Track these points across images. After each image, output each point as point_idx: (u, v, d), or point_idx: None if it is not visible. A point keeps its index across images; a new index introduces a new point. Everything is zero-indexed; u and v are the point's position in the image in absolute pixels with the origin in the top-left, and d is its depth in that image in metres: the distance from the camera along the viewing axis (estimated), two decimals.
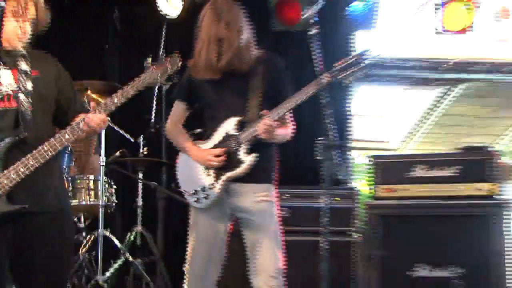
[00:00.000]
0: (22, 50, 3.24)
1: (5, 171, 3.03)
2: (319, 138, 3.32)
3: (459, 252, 5.06)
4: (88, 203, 5.48)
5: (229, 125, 3.64)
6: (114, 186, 5.73)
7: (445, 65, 8.14)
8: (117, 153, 5.76)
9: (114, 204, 5.66)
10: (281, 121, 3.64)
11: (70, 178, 5.44)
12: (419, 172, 5.35)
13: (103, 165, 5.44)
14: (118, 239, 5.54)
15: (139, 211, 5.80)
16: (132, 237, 5.72)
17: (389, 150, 10.85)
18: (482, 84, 8.81)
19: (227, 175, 3.61)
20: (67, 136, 3.12)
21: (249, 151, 3.60)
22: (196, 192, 3.68)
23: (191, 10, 6.04)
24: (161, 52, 5.77)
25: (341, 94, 6.62)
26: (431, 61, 8.16)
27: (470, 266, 5.02)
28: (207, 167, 3.65)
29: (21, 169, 3.04)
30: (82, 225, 5.64)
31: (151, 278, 5.36)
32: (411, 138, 10.57)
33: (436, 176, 5.31)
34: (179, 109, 3.85)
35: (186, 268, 3.73)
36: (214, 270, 3.69)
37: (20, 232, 3.12)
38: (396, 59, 8.04)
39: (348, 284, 5.22)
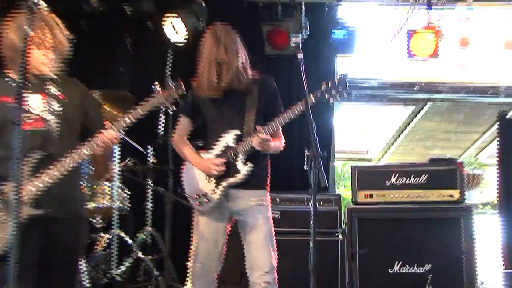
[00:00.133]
0: (50, 74, 3.24)
1: (32, 181, 3.06)
2: (306, 150, 3.30)
3: (432, 252, 5.05)
4: (104, 206, 5.44)
5: (228, 138, 3.63)
6: (127, 191, 5.71)
7: (416, 86, 8.19)
8: (130, 162, 5.74)
9: (127, 207, 5.62)
10: (274, 135, 3.62)
11: (88, 184, 5.42)
12: (394, 180, 5.35)
13: (117, 173, 5.42)
14: (131, 238, 5.52)
15: (149, 213, 5.79)
16: (143, 236, 5.70)
17: (367, 160, 10.85)
18: (447, 103, 8.85)
19: (226, 182, 3.60)
20: (85, 151, 3.13)
21: (246, 161, 3.59)
22: (199, 197, 3.65)
23: (194, 37, 6.04)
24: (167, 73, 5.77)
25: (325, 110, 6.62)
26: (404, 82, 8.22)
27: (442, 264, 5.01)
28: (209, 175, 3.63)
29: (46, 179, 3.06)
30: (99, 225, 5.60)
31: (159, 273, 5.32)
32: (387, 150, 10.57)
33: (409, 184, 5.31)
34: (184, 123, 3.83)
35: (189, 264, 3.70)
36: (215, 266, 3.65)
37: (44, 235, 3.11)
38: (373, 81, 8.08)
39: (334, 279, 5.20)
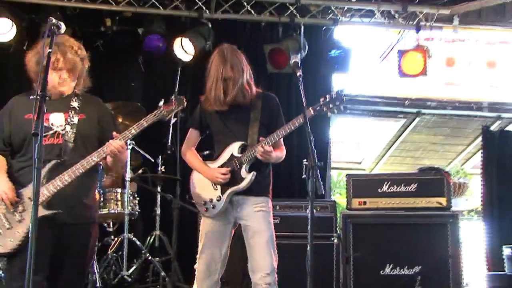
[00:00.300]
0: (69, 93, 3.34)
1: (46, 185, 3.12)
2: (304, 160, 3.30)
3: (421, 255, 5.03)
4: (116, 211, 5.44)
5: (233, 148, 3.63)
6: (137, 198, 5.70)
7: (406, 102, 8.22)
8: (140, 171, 5.75)
9: (137, 212, 5.61)
10: (276, 145, 3.62)
11: (102, 191, 5.42)
12: (386, 188, 5.34)
13: (128, 180, 5.42)
14: (140, 241, 5.50)
15: (157, 218, 5.77)
16: (152, 240, 5.69)
17: (361, 170, 10.84)
18: (435, 117, 8.86)
19: (231, 189, 3.59)
20: (94, 158, 3.20)
21: (249, 170, 3.59)
22: (205, 203, 3.65)
23: (201, 56, 6.07)
24: (176, 89, 5.79)
25: (322, 123, 6.63)
26: (395, 98, 8.25)
27: (430, 266, 4.99)
28: (215, 183, 3.63)
29: (58, 183, 3.14)
30: (110, 229, 5.59)
31: (167, 274, 5.30)
32: (379, 160, 10.56)
33: (400, 192, 5.30)
34: (192, 135, 3.83)
35: (196, 266, 3.69)
36: (219, 268, 3.62)
37: (56, 237, 3.15)
38: (366, 96, 8.11)
39: (329, 280, 5.18)
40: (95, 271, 4.98)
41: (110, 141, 3.21)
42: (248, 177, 3.56)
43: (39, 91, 2.78)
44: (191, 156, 3.80)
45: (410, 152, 10.22)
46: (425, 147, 10.10)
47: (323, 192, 3.32)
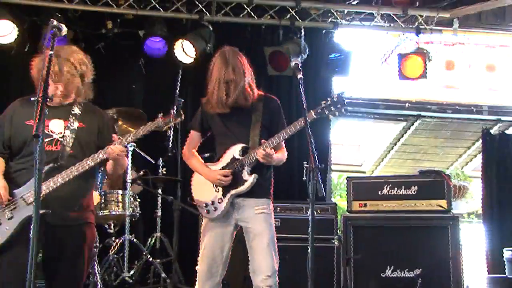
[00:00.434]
0: (71, 101, 3.38)
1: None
2: (305, 162, 3.30)
3: (422, 257, 5.03)
4: (117, 213, 5.44)
5: (234, 151, 3.62)
6: (138, 199, 5.70)
7: (406, 105, 8.21)
8: (141, 173, 5.74)
9: (138, 214, 5.61)
10: (277, 147, 3.62)
11: (103, 193, 5.41)
12: (386, 190, 5.34)
13: (129, 182, 5.42)
14: (141, 243, 5.50)
15: (158, 220, 5.77)
16: (153, 241, 5.68)
17: (361, 172, 10.83)
18: (435, 120, 8.86)
19: (233, 191, 3.59)
20: (89, 162, 3.25)
21: (251, 172, 3.58)
22: (207, 205, 3.64)
23: (202, 58, 6.07)
24: (177, 92, 5.78)
25: (322, 126, 6.62)
26: (395, 101, 8.25)
27: (431, 268, 4.99)
28: (217, 185, 3.63)
29: (51, 184, 3.19)
30: (111, 231, 5.58)
31: (168, 275, 5.29)
32: (380, 163, 10.54)
33: (400, 194, 5.30)
34: (194, 137, 3.82)
35: (197, 268, 3.67)
36: (220, 270, 3.61)
37: (50, 239, 3.18)
38: (367, 99, 8.10)
39: (330, 282, 5.17)
40: (96, 272, 4.97)
41: (110, 145, 3.26)
42: (249, 180, 3.56)
43: (40, 94, 2.80)
44: (192, 158, 3.79)
45: (410, 154, 10.20)
46: (426, 149, 10.09)
47: (324, 195, 3.30)
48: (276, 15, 6.58)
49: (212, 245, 3.61)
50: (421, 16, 6.65)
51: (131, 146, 5.24)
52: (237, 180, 3.58)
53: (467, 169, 10.52)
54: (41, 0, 6.13)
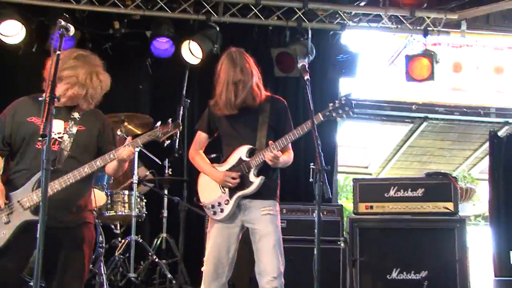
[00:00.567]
0: (71, 104, 3.36)
1: (36, 191, 3.18)
2: (311, 164, 3.29)
3: (428, 259, 5.01)
4: (123, 213, 5.45)
5: (241, 152, 3.62)
6: (145, 200, 5.70)
7: (413, 107, 8.19)
8: (148, 173, 5.75)
9: (144, 214, 5.62)
10: (284, 149, 3.61)
11: (109, 193, 5.42)
12: (392, 192, 5.32)
13: (135, 183, 5.43)
14: (147, 244, 5.51)
15: (164, 220, 5.78)
16: (159, 242, 5.69)
17: (367, 174, 10.81)
18: (442, 122, 8.83)
19: (239, 193, 3.58)
20: (86, 170, 3.24)
21: (258, 174, 3.58)
22: (213, 207, 3.64)
23: (209, 59, 6.07)
24: (183, 92, 5.79)
25: (329, 128, 6.61)
26: (402, 103, 8.23)
27: (437, 271, 4.97)
28: (224, 186, 3.62)
29: (48, 190, 3.09)
30: (118, 231, 5.60)
31: (173, 276, 5.29)
32: (386, 165, 10.52)
33: (407, 196, 5.28)
34: (200, 138, 3.83)
35: (203, 269, 3.67)
36: (226, 271, 3.62)
37: (47, 242, 3.13)
38: (374, 101, 8.09)
39: (336, 284, 5.16)
40: (102, 272, 4.98)
41: (121, 147, 3.27)
42: (256, 181, 3.56)
43: (47, 93, 2.80)
44: (199, 159, 3.80)
45: (417, 157, 10.18)
46: (432, 152, 10.06)
47: (330, 196, 3.30)
48: (283, 16, 6.58)
49: (218, 246, 3.61)
50: (428, 17, 6.63)
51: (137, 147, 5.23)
52: (244, 181, 3.57)
53: (474, 171, 10.48)
54: (49, 0, 6.15)
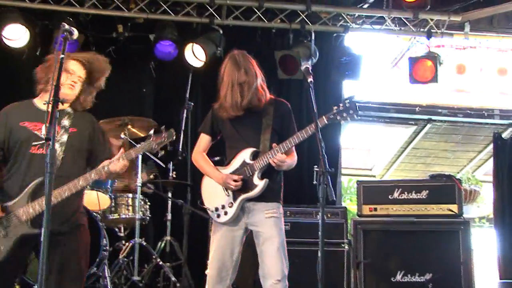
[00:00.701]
0: (68, 110, 3.39)
1: (32, 203, 3.16)
2: (315, 166, 3.28)
3: (432, 262, 5.00)
4: (127, 216, 5.46)
5: (245, 155, 3.62)
6: (148, 203, 5.70)
7: (417, 109, 8.18)
8: (151, 176, 5.75)
9: (148, 217, 5.62)
10: (287, 152, 3.61)
11: (113, 196, 5.43)
12: (396, 194, 5.31)
13: (139, 186, 5.43)
14: (151, 247, 5.50)
15: (168, 223, 5.76)
16: (162, 245, 5.68)
17: (371, 176, 10.80)
18: (446, 124, 8.82)
19: (243, 196, 3.58)
20: (81, 183, 3.22)
21: (262, 177, 3.57)
22: (217, 209, 3.64)
23: (212, 62, 6.07)
24: (187, 94, 5.79)
25: (333, 130, 6.61)
26: (406, 105, 8.22)
27: (442, 273, 4.95)
28: (227, 189, 3.62)
29: (43, 203, 3.05)
30: (122, 234, 5.59)
31: (177, 279, 5.29)
32: (390, 167, 10.51)
33: (411, 198, 5.27)
34: (204, 141, 3.83)
35: (207, 272, 3.67)
36: (230, 274, 3.61)
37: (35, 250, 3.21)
38: (377, 103, 8.08)
39: (340, 286, 5.14)
40: (106, 275, 4.98)
41: (114, 161, 3.25)
42: (260, 184, 3.55)
43: (51, 97, 2.80)
44: (202, 161, 3.80)
45: (421, 158, 10.17)
46: (436, 154, 10.04)
47: (334, 198, 3.30)
48: (287, 18, 6.58)
49: (222, 249, 3.61)
50: (432, 19, 6.62)
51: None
52: (247, 184, 3.57)
53: (478, 173, 10.46)
54: (53, 4, 6.17)
